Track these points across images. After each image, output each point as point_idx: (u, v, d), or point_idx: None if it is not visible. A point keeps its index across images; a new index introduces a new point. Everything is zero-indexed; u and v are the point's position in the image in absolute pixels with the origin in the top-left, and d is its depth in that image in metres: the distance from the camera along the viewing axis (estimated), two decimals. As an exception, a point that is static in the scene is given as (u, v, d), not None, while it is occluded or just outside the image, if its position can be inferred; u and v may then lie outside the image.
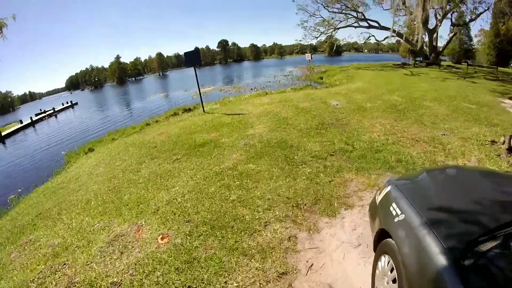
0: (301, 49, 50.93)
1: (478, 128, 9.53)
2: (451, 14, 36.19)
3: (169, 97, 44.09)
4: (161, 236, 5.18)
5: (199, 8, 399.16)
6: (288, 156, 7.81)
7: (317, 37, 45.69)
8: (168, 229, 5.34)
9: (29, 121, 48.83)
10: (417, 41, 40.38)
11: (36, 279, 4.96)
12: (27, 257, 5.89)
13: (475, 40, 51.96)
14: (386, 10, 41.03)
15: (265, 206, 5.58)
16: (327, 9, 42.54)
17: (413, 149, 7.89)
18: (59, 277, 4.82)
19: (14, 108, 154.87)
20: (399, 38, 43.58)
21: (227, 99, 22.31)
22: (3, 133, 39.53)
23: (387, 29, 40.60)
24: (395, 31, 39.49)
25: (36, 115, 57.05)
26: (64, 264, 5.15)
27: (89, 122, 35.59)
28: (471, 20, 35.86)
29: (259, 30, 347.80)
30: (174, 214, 5.82)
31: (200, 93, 18.04)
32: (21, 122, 49.13)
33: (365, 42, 46.00)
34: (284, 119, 11.74)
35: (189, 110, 20.15)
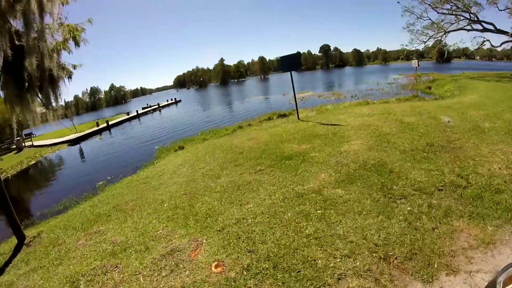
0: (406, 55, 47.35)
1: None
2: None
3: (267, 100, 44.50)
4: (216, 263, 4.72)
5: (303, 12, 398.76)
6: (385, 185, 6.65)
7: (425, 42, 41.31)
8: (226, 256, 4.86)
9: (135, 113, 53.42)
10: None
11: (87, 275, 5.25)
12: (89, 248, 6.25)
13: None
14: (501, 10, 35.55)
15: (345, 250, 4.60)
16: (436, 11, 38.27)
17: None
18: (107, 280, 5.01)
19: (126, 100, 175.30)
20: None
21: (324, 106, 21.32)
22: (110, 122, 43.79)
23: (504, 32, 34.91)
24: None
25: (143, 108, 62.54)
26: (116, 267, 5.31)
27: (188, 119, 37.45)
28: None
29: (363, 34, 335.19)
30: (239, 238, 5.30)
31: (295, 99, 17.31)
32: (128, 114, 54.23)
33: (478, 47, 40.42)
34: (385, 135, 10.43)
35: (284, 116, 19.73)
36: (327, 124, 13.27)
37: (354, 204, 5.97)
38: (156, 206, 7.70)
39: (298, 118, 16.31)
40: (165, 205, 7.64)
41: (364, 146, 9.44)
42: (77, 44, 9.28)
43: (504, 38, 35.73)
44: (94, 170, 18.68)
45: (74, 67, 9.50)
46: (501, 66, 67.69)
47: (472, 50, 46.99)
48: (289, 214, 5.87)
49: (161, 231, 6.20)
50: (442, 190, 6.35)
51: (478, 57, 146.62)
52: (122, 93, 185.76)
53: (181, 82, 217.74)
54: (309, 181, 7.34)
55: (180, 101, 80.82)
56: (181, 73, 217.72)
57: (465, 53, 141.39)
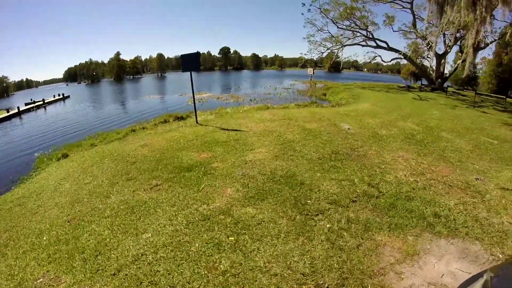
0: (305, 63, 49.86)
1: (509, 171, 8.36)
2: (460, 41, 35.21)
3: (164, 100, 42.32)
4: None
5: (204, 13, 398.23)
6: (298, 200, 6.09)
7: (323, 52, 44.29)
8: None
9: (16, 111, 47.15)
10: (422, 64, 40.60)
11: None
12: None
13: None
14: (395, 31, 40.58)
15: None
16: (336, 25, 41.38)
17: (448, 198, 6.47)
18: None
19: (8, 94, 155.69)
20: (405, 60, 42.53)
21: (224, 109, 20.43)
22: None
23: (395, 50, 39.45)
24: (405, 53, 38.36)
25: (26, 104, 55.45)
26: None
27: (76, 119, 33.79)
28: (480, 48, 35.06)
29: (261, 40, 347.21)
30: (140, 283, 4.18)
31: (194, 102, 16.26)
32: (8, 111, 47.52)
33: (370, 61, 44.58)
34: (290, 142, 10.04)
35: (181, 118, 18.41)
36: (228, 129, 12.56)
37: (270, 226, 5.27)
38: (33, 240, 6.03)
39: (197, 122, 15.27)
40: (44, 238, 6.00)
41: (270, 155, 8.88)
42: None
43: (395, 55, 40.20)
44: None
45: None
46: (385, 78, 75.30)
47: (361, 63, 51.12)
48: (197, 245, 4.92)
49: (41, 279, 4.72)
50: (356, 201, 6.12)
51: (365, 69, 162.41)
52: (5, 84, 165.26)
53: (72, 76, 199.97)
54: (214, 198, 6.45)
55: (68, 97, 73.51)
56: (73, 65, 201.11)
57: (354, 65, 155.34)
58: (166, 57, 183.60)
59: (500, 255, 4.66)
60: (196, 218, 5.65)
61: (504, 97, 27.50)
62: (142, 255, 4.77)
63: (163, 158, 9.56)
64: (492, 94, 33.02)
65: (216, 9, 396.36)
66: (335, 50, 43.06)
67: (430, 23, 34.99)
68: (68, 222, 6.39)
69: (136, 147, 11.51)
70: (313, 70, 44.11)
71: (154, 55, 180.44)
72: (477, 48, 20.44)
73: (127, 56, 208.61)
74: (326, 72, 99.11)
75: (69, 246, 5.40)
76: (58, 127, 28.21)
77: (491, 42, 32.45)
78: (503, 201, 6.48)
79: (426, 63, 41.90)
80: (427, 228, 5.27)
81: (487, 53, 50.97)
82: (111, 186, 7.91)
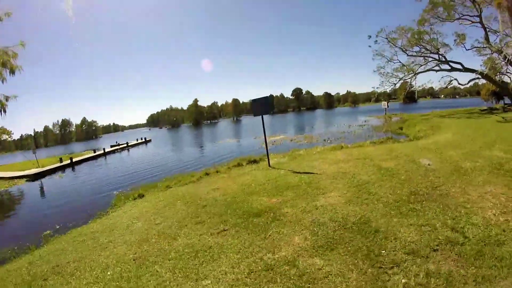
0: (378, 97, 48.67)
1: None
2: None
3: (238, 143, 43.65)
4: None
5: (275, 55, 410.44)
6: (371, 250, 5.58)
7: (395, 83, 42.91)
8: None
9: (102, 151, 51.82)
10: (502, 81, 37.07)
11: None
12: None
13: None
14: (468, 50, 38.29)
15: None
16: (406, 53, 40.22)
17: None
18: None
19: (97, 136, 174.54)
20: (483, 80, 39.43)
21: (297, 151, 20.30)
22: (74, 159, 42.04)
23: (471, 70, 37.00)
24: (482, 72, 35.51)
25: (111, 146, 61.01)
26: None
27: (155, 161, 36.04)
28: None
29: (333, 78, 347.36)
30: None
31: (266, 145, 16.49)
32: (94, 152, 52.79)
33: (446, 86, 42.05)
34: (365, 184, 9.49)
35: (254, 162, 18.67)
36: (300, 172, 12.34)
37: (337, 280, 4.87)
38: (98, 273, 6.42)
39: (269, 165, 15.34)
40: (108, 272, 6.35)
41: (342, 199, 8.44)
42: (12, 71, 8.16)
43: (471, 75, 37.53)
44: (44, 214, 17.20)
45: (7, 98, 8.32)
46: (465, 103, 70.52)
47: (436, 89, 48.76)
48: (257, 299, 4.73)
49: None
50: (437, 250, 5.45)
51: (442, 96, 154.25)
52: (94, 128, 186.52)
53: (155, 121, 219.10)
54: (281, 246, 6.21)
55: (150, 140, 79.14)
56: (155, 112, 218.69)
57: (430, 93, 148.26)
58: (241, 102, 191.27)
59: None
60: (259, 268, 5.48)
61: None
62: (197, 302, 4.68)
63: (233, 202, 9.66)
64: None
65: (285, 49, 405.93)
66: (408, 80, 41.60)
67: (505, 34, 31.88)
68: (134, 260, 6.68)
69: (208, 190, 11.83)
70: (387, 103, 42.85)
71: (230, 100, 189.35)
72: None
73: (204, 102, 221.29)
74: (401, 104, 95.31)
75: (130, 284, 5.61)
76: (138, 169, 30.35)
77: None
78: None
79: (506, 79, 38.34)
80: (519, 279, 4.57)
81: None
82: (180, 229, 8.15)
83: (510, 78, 37.40)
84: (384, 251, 5.49)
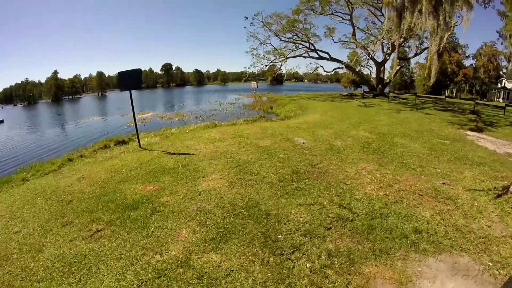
0: (249, 77, 49.83)
1: (469, 170, 8.65)
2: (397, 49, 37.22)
3: (104, 121, 40.05)
4: None
5: (145, 29, 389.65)
6: (268, 236, 5.13)
7: (266, 65, 44.67)
8: None
9: None
10: (361, 72, 43.84)
11: None
12: None
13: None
14: (336, 42, 42.39)
15: None
16: (279, 38, 41.87)
17: (423, 210, 6.18)
18: None
19: None
20: (345, 69, 44.74)
21: (169, 130, 19.00)
22: None
23: (337, 60, 41.09)
24: (347, 64, 40.26)
25: None
26: None
27: (9, 147, 31.06)
28: (416, 54, 37.78)
29: (203, 56, 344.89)
30: None
31: (135, 124, 14.84)
32: None
33: (313, 72, 45.73)
34: (245, 164, 9.05)
35: (123, 142, 16.89)
36: (174, 154, 11.34)
37: (241, 276, 4.28)
38: None
39: (140, 146, 13.94)
40: None
41: (225, 182, 7.82)
42: None
43: (336, 65, 41.88)
44: None
45: None
46: (327, 88, 76.88)
47: (303, 74, 53.06)
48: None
49: None
50: (331, 228, 5.39)
51: (306, 80, 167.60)
52: None
53: (8, 97, 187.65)
54: (168, 244, 5.29)
55: (2, 121, 68.44)
56: (8, 86, 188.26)
57: (295, 76, 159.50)
58: (106, 75, 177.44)
59: (490, 263, 4.55)
60: (149, 276, 4.51)
61: (444, 97, 28.90)
62: None
63: (103, 193, 8.24)
64: (431, 95, 34.98)
65: (157, 23, 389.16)
66: (278, 63, 43.38)
67: (369, 33, 38.40)
68: None
69: (72, 181, 10.04)
70: (257, 83, 43.99)
71: (94, 74, 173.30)
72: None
73: (65, 75, 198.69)
74: (268, 85, 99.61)
75: None
76: None
77: (425, 49, 34.27)
78: (476, 204, 6.47)
79: (365, 71, 44.51)
80: (411, 247, 4.90)
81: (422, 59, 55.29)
82: (45, 235, 6.49)
83: (369, 70, 43.07)
84: (280, 236, 5.11)
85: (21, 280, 5.09)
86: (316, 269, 4.31)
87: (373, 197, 6.61)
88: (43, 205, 8.29)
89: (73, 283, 4.68)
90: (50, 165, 14.00)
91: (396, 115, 20.38)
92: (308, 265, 4.40)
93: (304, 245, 4.86)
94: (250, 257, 4.61)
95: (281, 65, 43.77)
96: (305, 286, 4.02)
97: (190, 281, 4.24)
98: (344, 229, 5.30)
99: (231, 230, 5.42)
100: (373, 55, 36.91)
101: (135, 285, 4.35)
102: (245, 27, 44.90)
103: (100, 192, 8.39)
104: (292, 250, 4.75)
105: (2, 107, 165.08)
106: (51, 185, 10.00)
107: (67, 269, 5.09)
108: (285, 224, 5.47)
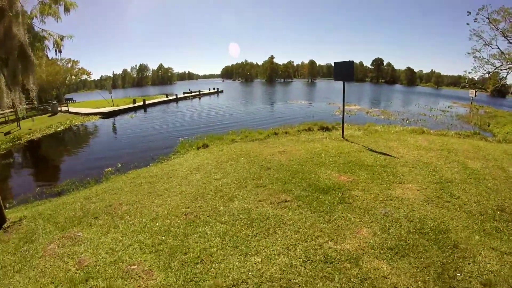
0: (467, 83, 43.87)
1: None
2: None
3: (311, 106, 42.32)
4: None
5: (359, 22, 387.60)
6: (446, 268, 4.67)
7: (490, 72, 37.62)
8: None
9: (174, 97, 53.82)
10: None
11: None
12: (53, 262, 5.13)
13: None
14: None
15: None
16: (508, 39, 34.89)
17: None
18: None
19: (171, 82, 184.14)
20: None
21: (373, 126, 18.89)
22: (147, 102, 44.39)
23: None
24: None
25: (184, 93, 63.18)
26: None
27: (223, 112, 36.53)
28: None
29: (418, 54, 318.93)
30: None
31: (343, 115, 15.42)
32: (167, 96, 55.23)
33: None
34: (447, 183, 8.24)
35: (326, 129, 17.77)
36: (375, 152, 11.35)
37: None
38: (147, 222, 6.29)
39: (343, 137, 14.50)
40: (157, 223, 6.20)
41: (421, 195, 7.39)
42: (66, 9, 7.97)
43: None
44: (110, 151, 18.18)
45: (62, 38, 8.20)
46: None
47: None
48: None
49: (135, 266, 4.76)
50: None
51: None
52: (170, 74, 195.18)
53: (229, 73, 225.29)
54: (345, 236, 5.46)
55: (222, 91, 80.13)
56: (230, 64, 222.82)
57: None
58: (317, 64, 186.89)
59: None
60: (317, 257, 4.84)
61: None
62: (242, 282, 4.29)
63: (299, 170, 9.10)
64: None
65: (369, 17, 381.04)
66: (504, 71, 36.56)
67: None
68: (185, 215, 6.48)
69: (274, 152, 11.38)
70: (475, 92, 38.93)
71: (306, 61, 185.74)
72: None
73: (280, 60, 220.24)
74: (488, 96, 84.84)
75: (176, 242, 5.37)
76: (206, 118, 30.84)
77: None
78: None
79: None
80: None
81: None
82: (239, 189, 7.80)
83: None
84: (459, 274, 4.59)
85: (207, 216, 6.30)
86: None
87: None
88: (244, 165, 9.76)
89: (249, 235, 5.48)
90: (258, 134, 16.08)
91: None
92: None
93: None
94: (419, 282, 4.34)
95: (507, 74, 36.69)
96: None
97: (352, 279, 4.35)
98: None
99: (412, 247, 5.17)
100: None
101: (301, 259, 4.79)
102: (467, 23, 38.81)
103: (296, 168, 9.27)
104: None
105: (223, 80, 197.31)
106: (255, 151, 11.56)
107: (248, 222, 5.96)
108: (469, 264, 4.86)
